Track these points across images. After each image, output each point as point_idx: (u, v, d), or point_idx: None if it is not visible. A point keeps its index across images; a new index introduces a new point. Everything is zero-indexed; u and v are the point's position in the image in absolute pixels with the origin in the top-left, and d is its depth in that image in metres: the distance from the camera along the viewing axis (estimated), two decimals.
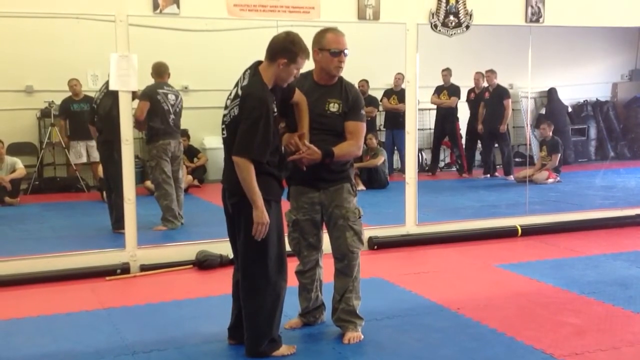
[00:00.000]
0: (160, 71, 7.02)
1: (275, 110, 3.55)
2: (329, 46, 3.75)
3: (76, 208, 8.58)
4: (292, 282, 3.94)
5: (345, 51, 3.78)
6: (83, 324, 4.35)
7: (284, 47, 3.48)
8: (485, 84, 10.68)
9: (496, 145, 10.68)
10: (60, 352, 3.86)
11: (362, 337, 3.93)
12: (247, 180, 3.43)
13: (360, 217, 3.93)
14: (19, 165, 8.72)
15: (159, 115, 6.88)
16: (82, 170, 9.39)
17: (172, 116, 6.96)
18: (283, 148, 3.74)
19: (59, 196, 9.16)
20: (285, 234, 3.89)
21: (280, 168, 3.67)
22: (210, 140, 10.15)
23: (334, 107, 3.81)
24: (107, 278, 5.39)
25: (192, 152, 10.04)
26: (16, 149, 9.25)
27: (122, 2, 5.47)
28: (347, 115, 3.82)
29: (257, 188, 3.44)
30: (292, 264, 3.93)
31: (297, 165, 3.76)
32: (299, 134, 3.74)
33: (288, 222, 3.96)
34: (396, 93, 10.38)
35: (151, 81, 7.02)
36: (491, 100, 10.49)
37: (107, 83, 6.25)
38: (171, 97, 7.01)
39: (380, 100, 10.84)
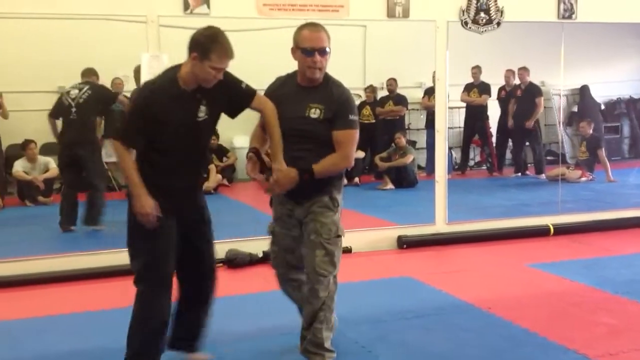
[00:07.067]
0: None
1: (202, 112, 3.20)
2: (303, 44, 3.35)
3: (108, 206, 8.65)
4: None
5: (326, 49, 3.35)
6: (115, 322, 4.35)
7: (196, 40, 3.11)
8: (517, 82, 10.56)
9: (527, 143, 10.58)
10: (91, 350, 3.90)
11: None
12: (121, 166, 3.21)
13: (339, 237, 3.46)
14: (52, 165, 8.83)
15: None
16: (114, 169, 9.49)
17: None
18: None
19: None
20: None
21: (173, 176, 3.26)
22: (240, 139, 10.20)
23: (314, 112, 3.36)
24: None
25: (221, 152, 10.10)
26: (49, 149, 9.35)
27: (153, 3, 5.52)
28: (334, 124, 3.36)
29: (134, 175, 3.16)
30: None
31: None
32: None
33: (268, 232, 3.67)
34: None
35: None
36: (523, 98, 10.36)
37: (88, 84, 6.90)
38: None
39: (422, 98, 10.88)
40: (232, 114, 3.38)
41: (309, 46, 3.33)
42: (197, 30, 3.14)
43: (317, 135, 3.38)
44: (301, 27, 3.42)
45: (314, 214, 3.43)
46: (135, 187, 3.17)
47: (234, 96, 3.30)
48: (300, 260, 3.55)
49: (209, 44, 3.06)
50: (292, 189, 3.36)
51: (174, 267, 3.37)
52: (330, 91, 3.40)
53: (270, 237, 3.66)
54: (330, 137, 3.38)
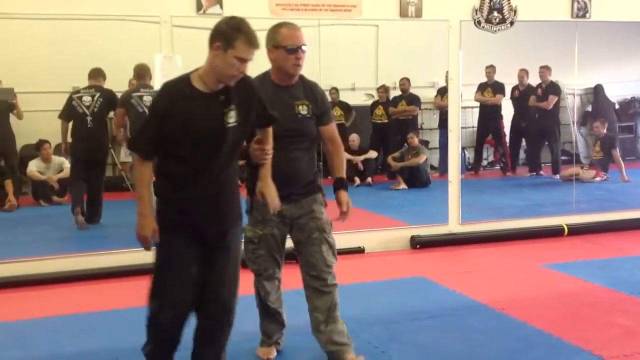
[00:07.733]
0: (141, 73, 6.92)
1: (233, 118, 2.95)
2: (284, 42, 3.35)
3: (122, 207, 8.65)
4: None
5: (303, 47, 3.38)
6: (129, 321, 4.39)
7: (218, 28, 2.88)
8: (532, 81, 10.48)
9: (546, 143, 10.50)
10: (104, 349, 3.92)
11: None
12: (136, 177, 3.06)
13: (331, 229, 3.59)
14: (66, 165, 8.85)
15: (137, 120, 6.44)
16: (128, 170, 9.52)
17: None
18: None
19: (105, 195, 9.29)
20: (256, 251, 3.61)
21: (192, 188, 2.98)
22: None
23: (303, 109, 3.45)
24: None
25: None
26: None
27: (166, 3, 5.54)
28: (321, 119, 3.51)
29: (142, 192, 2.97)
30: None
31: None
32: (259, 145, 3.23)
33: (252, 238, 3.56)
34: None
35: None
36: (543, 97, 10.27)
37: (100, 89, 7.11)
38: (147, 98, 6.60)
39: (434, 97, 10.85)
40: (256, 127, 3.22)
41: (291, 44, 3.37)
42: (219, 20, 2.93)
43: (308, 132, 3.50)
44: (278, 27, 3.43)
45: (313, 212, 3.51)
46: (140, 205, 2.97)
47: (259, 113, 3.10)
48: (282, 258, 3.66)
49: (233, 32, 2.85)
50: (290, 189, 3.42)
51: (186, 292, 3.07)
52: (309, 88, 3.52)
53: (255, 243, 3.56)
54: (315, 132, 3.53)
